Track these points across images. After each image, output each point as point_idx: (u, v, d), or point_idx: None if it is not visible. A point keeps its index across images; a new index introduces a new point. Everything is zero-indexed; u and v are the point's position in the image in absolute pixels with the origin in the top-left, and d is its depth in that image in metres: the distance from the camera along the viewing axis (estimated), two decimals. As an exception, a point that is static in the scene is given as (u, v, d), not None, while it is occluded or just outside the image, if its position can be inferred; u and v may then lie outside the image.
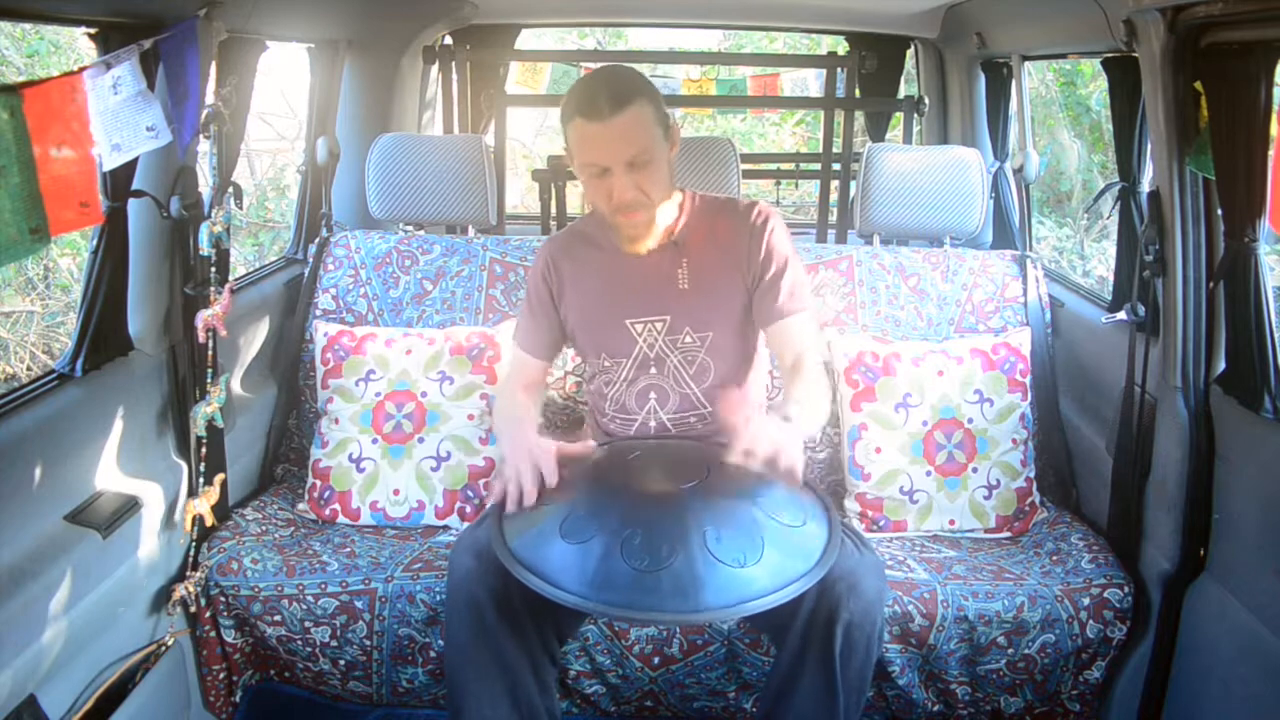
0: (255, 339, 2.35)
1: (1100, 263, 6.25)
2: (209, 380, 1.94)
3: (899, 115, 3.58)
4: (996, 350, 2.21)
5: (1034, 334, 2.30)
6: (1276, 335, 1.73)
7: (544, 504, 1.60)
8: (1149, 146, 2.01)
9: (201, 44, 1.69)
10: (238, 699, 2.01)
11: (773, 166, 4.71)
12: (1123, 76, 2.15)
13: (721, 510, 1.52)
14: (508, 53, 3.70)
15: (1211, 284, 1.81)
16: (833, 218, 3.53)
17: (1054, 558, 2.01)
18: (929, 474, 2.14)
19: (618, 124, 1.66)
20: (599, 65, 2.40)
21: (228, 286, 1.96)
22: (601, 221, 1.87)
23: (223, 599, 1.93)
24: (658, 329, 1.88)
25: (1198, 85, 1.73)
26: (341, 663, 1.96)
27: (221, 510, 2.06)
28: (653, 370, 1.90)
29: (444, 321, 2.39)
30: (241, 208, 2.03)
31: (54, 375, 1.74)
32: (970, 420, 2.16)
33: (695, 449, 1.76)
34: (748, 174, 3.55)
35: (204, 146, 1.94)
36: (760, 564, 1.46)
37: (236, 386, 2.22)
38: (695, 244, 1.88)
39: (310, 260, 2.48)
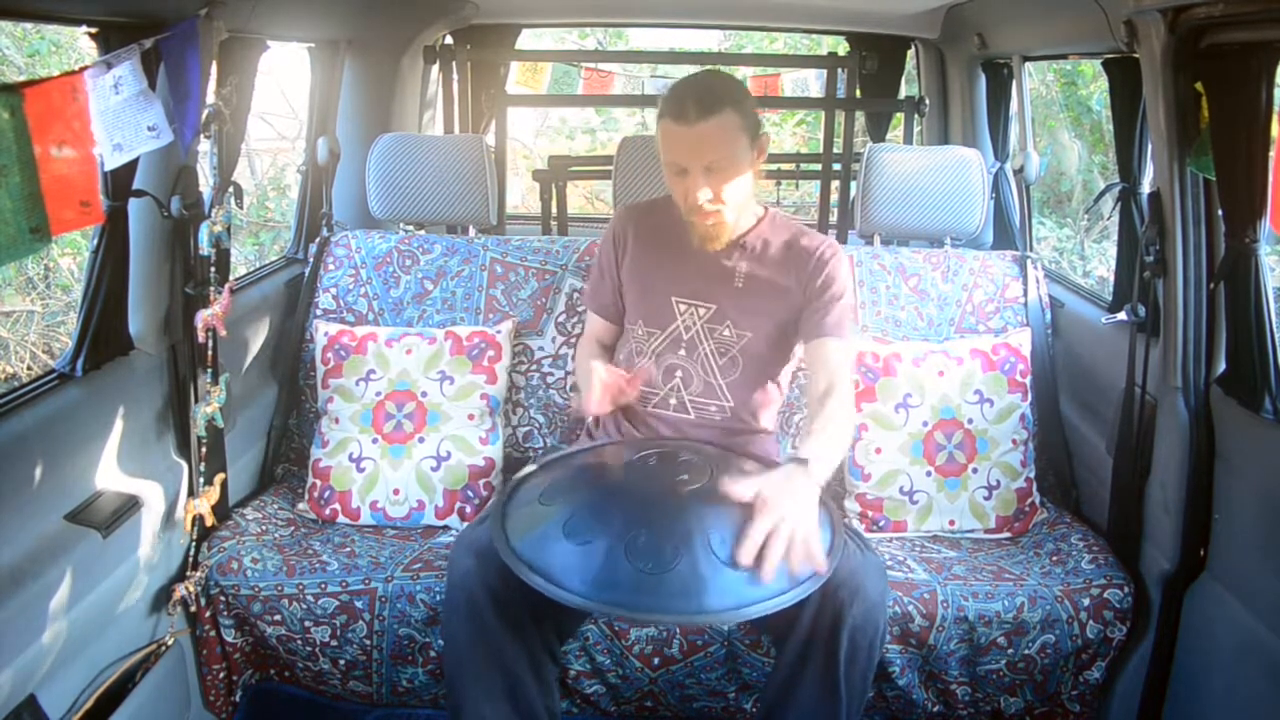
0: (255, 339, 2.35)
1: (1100, 263, 6.25)
2: (209, 380, 1.94)
3: (899, 115, 3.58)
4: (997, 350, 2.21)
5: (1034, 334, 2.30)
6: (1277, 336, 1.73)
7: (546, 501, 1.60)
8: (1149, 147, 2.01)
9: (202, 44, 1.68)
10: (238, 699, 2.01)
11: (773, 166, 4.69)
12: (1123, 77, 2.15)
13: (726, 513, 1.52)
14: (508, 53, 3.70)
15: (1212, 284, 1.81)
16: (833, 218, 3.53)
17: (1054, 558, 2.01)
18: (929, 474, 2.14)
19: (701, 129, 1.73)
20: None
21: (228, 286, 1.96)
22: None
23: (223, 599, 1.93)
24: (700, 314, 1.94)
25: (1198, 86, 1.73)
26: (341, 662, 1.96)
27: (221, 510, 2.06)
28: (682, 352, 1.94)
29: (444, 321, 2.39)
30: (241, 207, 2.03)
31: (54, 375, 1.74)
32: (970, 421, 2.16)
33: (701, 451, 1.76)
34: (748, 174, 3.54)
35: (204, 146, 1.94)
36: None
37: (236, 386, 2.22)
38: (760, 253, 1.94)
39: (310, 260, 2.47)
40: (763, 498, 1.49)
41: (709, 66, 2.17)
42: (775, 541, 1.45)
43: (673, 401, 1.94)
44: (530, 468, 1.75)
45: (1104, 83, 2.93)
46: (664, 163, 1.82)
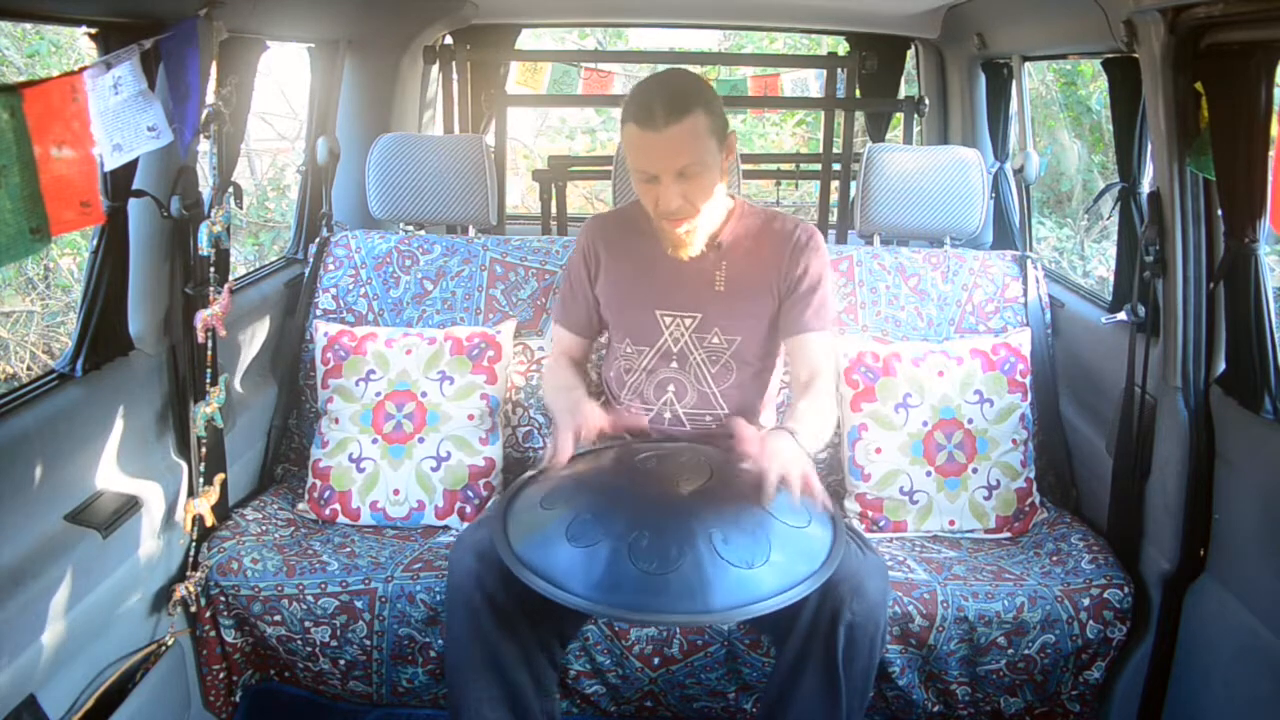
0: (255, 339, 2.35)
1: (1100, 263, 6.25)
2: (209, 380, 1.94)
3: (899, 115, 3.58)
4: (996, 350, 2.21)
5: (1034, 334, 2.30)
6: (1276, 336, 1.73)
7: (547, 506, 1.60)
8: (1149, 147, 2.01)
9: (202, 44, 1.68)
10: (238, 699, 2.01)
11: (773, 166, 4.70)
12: (1123, 77, 2.15)
13: (727, 512, 1.52)
14: (508, 53, 3.70)
15: (1212, 284, 1.81)
16: (833, 218, 3.53)
17: (1054, 558, 2.01)
18: (929, 474, 2.14)
19: (670, 134, 1.67)
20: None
21: (227, 286, 1.96)
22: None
23: (223, 599, 1.93)
24: (686, 325, 1.90)
25: (1198, 86, 1.73)
26: (341, 663, 1.96)
27: (221, 510, 2.06)
28: (674, 364, 1.91)
29: (444, 321, 2.39)
30: (241, 208, 2.03)
31: (54, 375, 1.74)
32: (970, 421, 2.16)
33: (700, 452, 1.76)
34: (748, 174, 3.55)
35: (204, 146, 1.94)
36: (768, 565, 1.47)
37: (236, 386, 2.23)
38: (737, 250, 1.90)
39: (310, 260, 2.47)
40: (763, 452, 1.54)
41: (673, 66, 2.10)
42: (791, 480, 1.51)
43: (667, 416, 1.92)
44: (531, 472, 1.75)
45: (1104, 82, 2.93)
46: (631, 170, 1.76)
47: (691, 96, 1.69)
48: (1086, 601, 1.88)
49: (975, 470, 2.15)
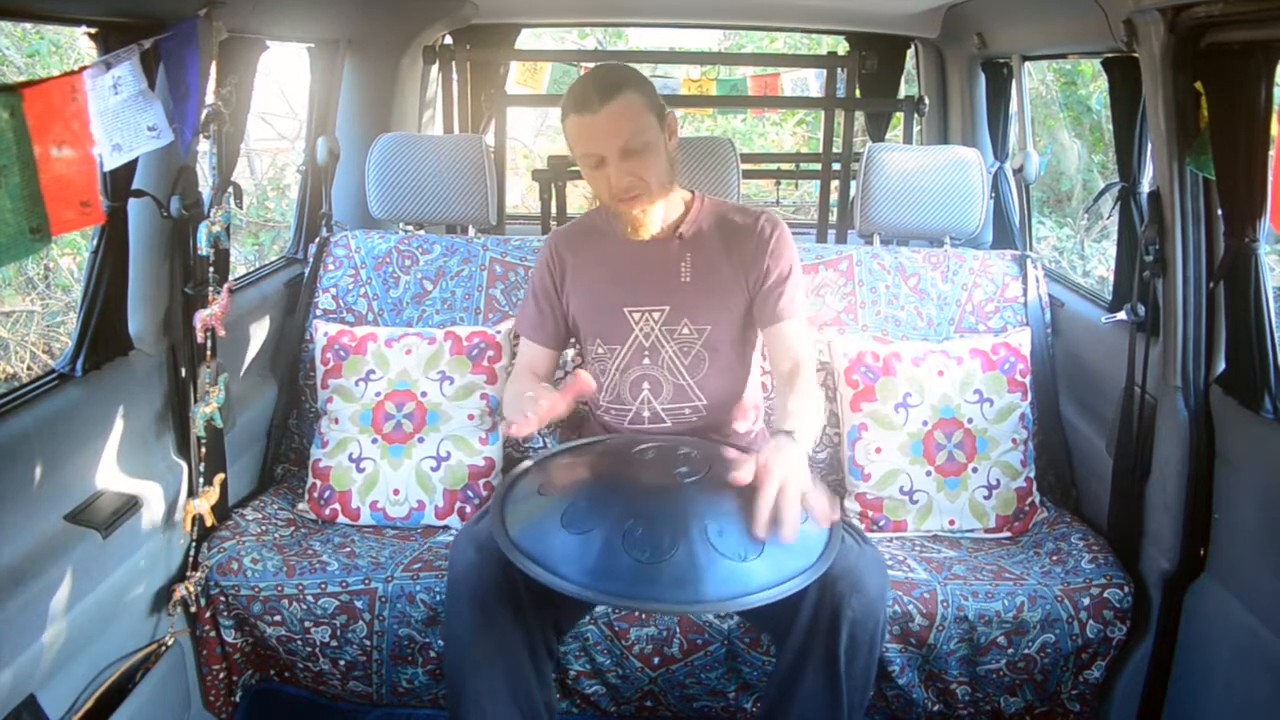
0: (255, 339, 2.35)
1: (1100, 263, 6.25)
2: (208, 380, 1.94)
3: (899, 115, 3.58)
4: (996, 350, 2.21)
5: (1034, 334, 2.30)
6: (1276, 335, 1.73)
7: (545, 493, 1.60)
8: (1149, 147, 2.01)
9: (201, 44, 1.69)
10: (238, 699, 2.01)
11: (773, 166, 4.71)
12: (1123, 77, 2.15)
13: (723, 504, 1.52)
14: (508, 53, 3.70)
15: (1212, 284, 1.81)
16: (833, 218, 3.53)
17: (1054, 558, 2.01)
18: (929, 474, 2.14)
19: (607, 113, 1.72)
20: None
21: (227, 286, 1.96)
22: (608, 212, 1.92)
23: (223, 599, 1.93)
24: (655, 319, 1.91)
25: (1198, 85, 1.73)
26: (341, 663, 1.96)
27: (221, 510, 2.06)
28: (646, 360, 1.91)
29: (444, 321, 2.39)
30: (241, 208, 2.03)
31: (54, 375, 1.74)
32: (970, 420, 2.16)
33: (698, 444, 1.76)
34: (748, 174, 3.55)
35: (204, 146, 1.94)
36: (761, 558, 1.47)
37: (236, 387, 2.22)
38: (701, 241, 1.91)
39: (310, 260, 2.48)
40: (762, 467, 1.50)
41: (613, 64, 2.12)
42: (787, 501, 1.47)
43: (646, 414, 1.92)
44: (528, 463, 1.75)
45: (1104, 82, 2.93)
46: (579, 160, 1.80)
47: (621, 79, 1.76)
48: (1086, 601, 1.88)
49: (975, 470, 2.15)
